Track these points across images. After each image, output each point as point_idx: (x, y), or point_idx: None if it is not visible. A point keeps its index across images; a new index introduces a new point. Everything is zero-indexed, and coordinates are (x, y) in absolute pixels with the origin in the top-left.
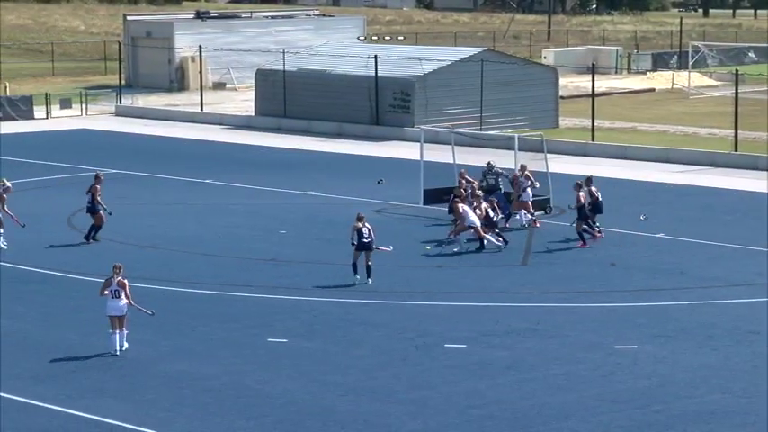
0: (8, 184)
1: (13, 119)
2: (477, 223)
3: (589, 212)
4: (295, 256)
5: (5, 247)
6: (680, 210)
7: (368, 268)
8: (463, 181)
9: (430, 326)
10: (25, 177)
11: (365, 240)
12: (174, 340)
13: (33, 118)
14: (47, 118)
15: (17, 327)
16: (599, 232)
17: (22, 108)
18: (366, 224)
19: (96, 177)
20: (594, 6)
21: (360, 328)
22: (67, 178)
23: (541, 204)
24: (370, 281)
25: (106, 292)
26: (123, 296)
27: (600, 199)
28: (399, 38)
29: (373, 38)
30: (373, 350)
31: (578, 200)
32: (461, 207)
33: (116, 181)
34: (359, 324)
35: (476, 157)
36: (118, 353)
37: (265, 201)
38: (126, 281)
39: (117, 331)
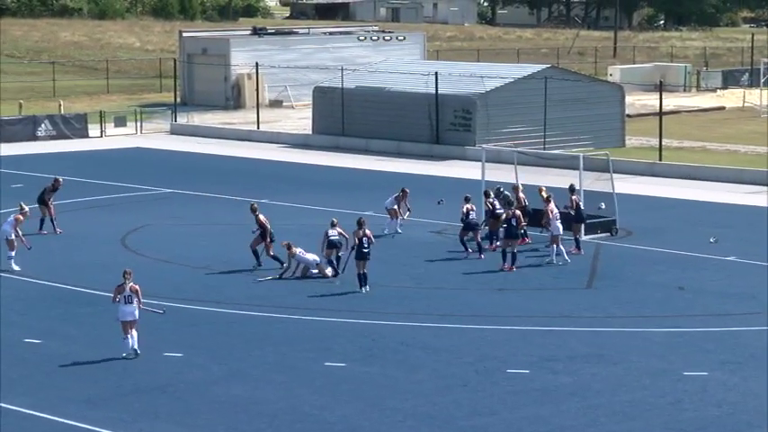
0: (26, 208)
1: (68, 137)
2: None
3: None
4: (353, 277)
5: (18, 269)
6: (751, 232)
7: (364, 276)
8: (521, 195)
9: (491, 350)
10: (79, 197)
11: (365, 250)
12: (229, 364)
13: (87, 136)
14: (101, 136)
15: (69, 349)
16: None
17: (76, 126)
18: (367, 231)
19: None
20: (662, 22)
21: (419, 353)
22: (122, 198)
23: (607, 226)
24: (367, 289)
25: (118, 298)
26: (135, 301)
27: (581, 207)
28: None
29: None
30: (433, 375)
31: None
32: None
33: (170, 201)
34: (419, 348)
35: (539, 177)
36: (138, 352)
37: (322, 221)
38: (137, 286)
39: (129, 336)
